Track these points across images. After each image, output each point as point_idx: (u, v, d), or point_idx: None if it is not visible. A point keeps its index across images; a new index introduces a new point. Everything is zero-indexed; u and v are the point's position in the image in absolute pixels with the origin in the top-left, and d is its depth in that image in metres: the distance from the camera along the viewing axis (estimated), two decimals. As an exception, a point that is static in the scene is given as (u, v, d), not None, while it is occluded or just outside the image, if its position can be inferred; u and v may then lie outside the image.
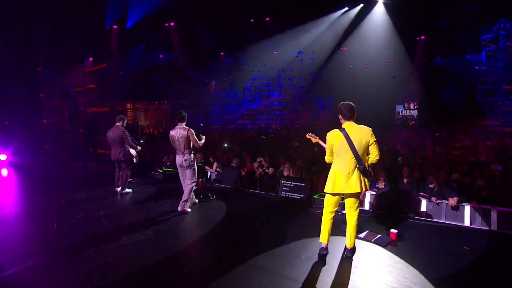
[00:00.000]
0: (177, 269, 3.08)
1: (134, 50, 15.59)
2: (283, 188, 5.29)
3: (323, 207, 3.22)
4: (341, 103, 3.15)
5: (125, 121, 5.75)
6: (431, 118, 19.02)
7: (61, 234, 3.90)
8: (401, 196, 4.39)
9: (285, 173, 6.82)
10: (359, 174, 3.01)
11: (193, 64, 19.44)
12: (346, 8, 12.40)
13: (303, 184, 5.11)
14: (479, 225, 4.54)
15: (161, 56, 17.76)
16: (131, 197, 5.60)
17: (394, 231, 3.54)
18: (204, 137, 4.77)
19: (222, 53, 19.45)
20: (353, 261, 3.08)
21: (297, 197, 5.05)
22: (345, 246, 3.22)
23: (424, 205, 4.96)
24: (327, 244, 3.12)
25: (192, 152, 4.65)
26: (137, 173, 7.23)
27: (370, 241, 3.51)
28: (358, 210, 3.16)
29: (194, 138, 4.53)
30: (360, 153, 2.98)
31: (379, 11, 12.27)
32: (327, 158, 3.24)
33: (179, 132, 4.54)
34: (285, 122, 22.31)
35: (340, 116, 3.15)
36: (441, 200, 4.88)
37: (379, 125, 18.42)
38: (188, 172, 4.66)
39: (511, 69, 14.55)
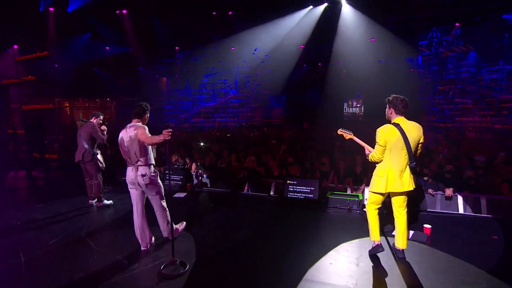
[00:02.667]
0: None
1: (76, 40, 13.47)
2: (289, 188, 4.99)
3: (367, 205, 3.09)
4: (394, 96, 2.97)
5: (101, 118, 4.82)
6: (375, 114, 20.77)
7: (36, 269, 2.96)
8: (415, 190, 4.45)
9: (275, 173, 6.56)
10: (410, 172, 2.88)
11: (144, 59, 17.79)
12: (310, 7, 12.59)
13: (311, 183, 4.89)
14: (471, 212, 4.91)
15: (107, 48, 15.78)
16: (111, 210, 4.66)
17: (428, 226, 3.54)
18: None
19: (177, 48, 18.21)
20: (409, 262, 2.94)
21: (306, 197, 4.81)
22: (394, 246, 3.07)
23: (422, 197, 5.20)
24: (380, 241, 2.98)
25: (151, 163, 3.22)
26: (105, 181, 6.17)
27: (408, 239, 3.43)
28: (406, 209, 3.03)
29: (146, 134, 3.03)
30: (413, 150, 2.86)
31: (344, 11, 12.77)
32: (377, 156, 2.94)
33: (128, 133, 3.12)
34: (242, 120, 22.10)
35: (391, 110, 2.97)
36: (436, 191, 5.17)
37: (331, 121, 19.21)
38: (150, 193, 3.21)
39: (443, 72, 16.72)
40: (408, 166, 2.88)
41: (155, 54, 18.53)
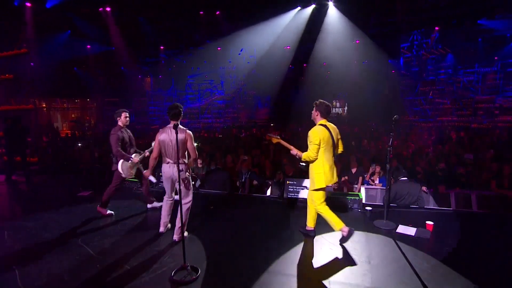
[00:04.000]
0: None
1: (55, 37, 12.85)
2: (289, 188, 4.98)
3: (319, 205, 3.39)
4: (321, 101, 3.38)
5: (124, 117, 4.28)
6: (359, 114, 21.28)
7: (34, 282, 2.75)
8: (413, 188, 4.56)
9: (267, 173, 6.56)
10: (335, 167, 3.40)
11: (127, 58, 17.27)
12: (299, 8, 12.69)
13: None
14: (462, 207, 5.10)
15: (88, 46, 15.18)
16: (114, 214, 4.42)
17: (430, 222, 3.63)
18: None
19: (162, 47, 17.82)
20: (418, 258, 2.99)
21: (306, 197, 4.80)
22: (306, 227, 3.60)
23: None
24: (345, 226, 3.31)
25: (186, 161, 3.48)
26: (90, 184, 5.94)
27: (412, 236, 3.51)
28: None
29: (193, 144, 3.44)
30: (336, 147, 3.39)
31: (330, 13, 12.96)
32: (313, 155, 3.24)
33: (173, 134, 3.29)
34: (228, 120, 21.97)
35: (317, 113, 3.38)
36: (428, 188, 5.33)
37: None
38: (182, 187, 3.43)
39: (424, 73, 17.39)
40: (333, 162, 3.36)
41: (139, 53, 18.04)
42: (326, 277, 2.72)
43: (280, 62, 20.51)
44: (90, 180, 6.61)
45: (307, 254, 3.17)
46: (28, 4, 11.19)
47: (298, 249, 3.28)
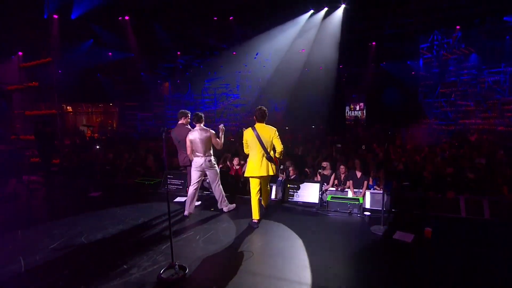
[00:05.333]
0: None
1: (80, 46, 13.66)
2: (290, 192, 4.99)
3: (251, 190, 4.10)
4: (258, 108, 4.00)
5: (188, 117, 4.91)
6: (377, 117, 20.74)
7: (36, 274, 2.97)
8: (418, 194, 4.44)
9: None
10: (267, 162, 3.94)
11: (146, 64, 17.96)
12: (312, 11, 12.66)
13: (312, 187, 4.88)
14: (473, 214, 4.85)
15: (110, 54, 15.95)
16: (111, 215, 4.65)
17: (428, 228, 3.53)
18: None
19: (178, 53, 18.37)
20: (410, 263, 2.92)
21: (306, 201, 4.80)
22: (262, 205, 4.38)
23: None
24: (258, 220, 4.09)
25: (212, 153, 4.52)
26: (102, 185, 6.23)
27: (409, 242, 3.42)
28: (268, 187, 4.49)
29: (216, 140, 4.43)
30: (266, 146, 3.89)
31: (339, 15, 12.80)
32: (245, 150, 4.13)
33: (200, 133, 4.37)
34: (244, 124, 22.13)
35: (254, 118, 4.02)
36: (437, 193, 5.13)
37: (332, 125, 19.17)
38: (211, 173, 4.53)
39: (445, 74, 16.67)
40: (264, 157, 3.91)
41: (157, 59, 18.71)
42: (314, 281, 2.71)
43: (295, 66, 20.45)
44: (101, 181, 6.93)
45: (298, 257, 3.17)
46: (55, 16, 12.00)
47: (289, 253, 3.29)
